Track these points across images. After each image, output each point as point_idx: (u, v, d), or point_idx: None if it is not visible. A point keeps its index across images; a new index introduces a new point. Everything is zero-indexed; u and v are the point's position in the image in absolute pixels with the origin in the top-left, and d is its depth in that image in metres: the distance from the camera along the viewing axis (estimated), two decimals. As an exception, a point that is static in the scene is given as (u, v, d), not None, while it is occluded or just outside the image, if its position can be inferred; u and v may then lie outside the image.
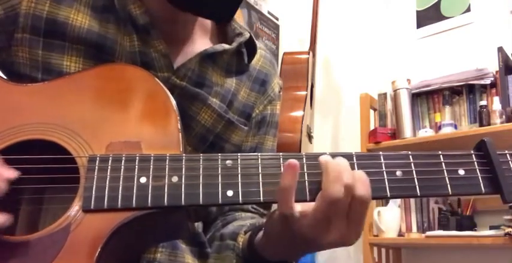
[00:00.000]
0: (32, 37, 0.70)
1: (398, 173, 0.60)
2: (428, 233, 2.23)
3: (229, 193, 0.57)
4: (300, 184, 0.57)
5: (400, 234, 2.35)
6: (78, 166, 0.59)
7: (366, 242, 2.33)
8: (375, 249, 2.40)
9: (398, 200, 2.33)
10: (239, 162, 0.59)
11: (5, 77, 0.72)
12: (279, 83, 0.93)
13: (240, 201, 0.57)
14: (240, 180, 0.58)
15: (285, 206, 0.57)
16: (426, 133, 2.36)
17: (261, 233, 0.68)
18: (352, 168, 0.59)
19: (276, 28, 3.06)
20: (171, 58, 0.75)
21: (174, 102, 0.65)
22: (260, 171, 0.59)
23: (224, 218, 0.83)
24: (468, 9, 2.57)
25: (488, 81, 2.27)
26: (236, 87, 0.83)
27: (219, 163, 0.59)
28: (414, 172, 0.60)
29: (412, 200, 2.33)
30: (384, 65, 2.78)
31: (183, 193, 0.57)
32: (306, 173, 0.59)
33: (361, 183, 0.57)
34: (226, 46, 0.80)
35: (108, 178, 0.58)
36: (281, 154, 0.60)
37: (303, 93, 2.41)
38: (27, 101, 0.65)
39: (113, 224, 0.56)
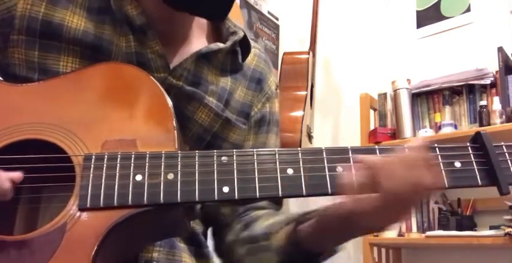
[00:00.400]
0: (28, 38, 0.70)
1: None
2: (428, 233, 2.23)
3: (225, 189, 0.57)
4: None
5: (400, 234, 2.35)
6: (74, 164, 0.59)
7: (366, 242, 2.33)
8: (375, 249, 2.40)
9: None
10: (235, 158, 0.59)
11: (1, 78, 0.72)
12: (275, 81, 0.93)
13: (236, 197, 0.57)
14: (235, 176, 0.58)
15: (353, 202, 0.57)
16: (426, 133, 2.36)
17: (303, 226, 0.68)
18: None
19: (276, 28, 3.06)
20: (167, 58, 0.75)
21: (169, 99, 0.65)
22: (256, 167, 0.59)
23: (242, 220, 0.83)
24: (468, 9, 2.57)
25: (488, 81, 2.28)
26: (232, 86, 0.84)
27: (215, 159, 0.59)
28: None
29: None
30: (384, 65, 2.78)
31: (178, 189, 0.57)
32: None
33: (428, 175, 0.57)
34: (221, 45, 0.80)
35: (103, 176, 0.58)
36: (277, 149, 0.60)
37: (303, 93, 2.41)
38: (23, 101, 0.65)
39: (109, 223, 0.55)
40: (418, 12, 2.76)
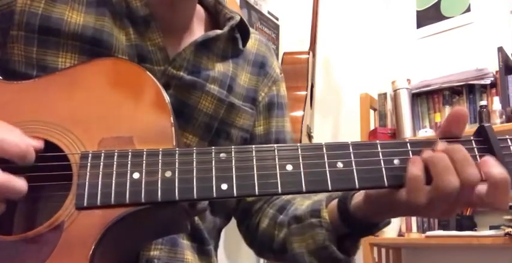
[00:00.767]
0: (27, 34, 0.70)
1: (396, 161, 0.58)
2: (428, 233, 2.23)
3: (224, 186, 0.56)
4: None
5: (400, 234, 2.35)
6: (71, 163, 0.58)
7: (366, 242, 2.32)
8: (375, 249, 2.39)
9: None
10: (233, 155, 0.58)
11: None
12: (278, 65, 0.93)
13: (235, 195, 0.56)
14: (234, 173, 0.57)
15: (413, 195, 0.56)
16: (426, 133, 2.36)
17: (354, 201, 0.67)
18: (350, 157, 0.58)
19: (276, 28, 3.06)
20: (169, 49, 0.75)
21: (166, 95, 0.64)
22: (255, 163, 0.58)
23: (274, 205, 0.83)
24: (468, 9, 2.57)
25: (488, 81, 2.28)
26: (234, 71, 0.84)
27: (213, 156, 0.58)
28: None
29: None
30: (383, 65, 2.78)
31: (176, 187, 0.56)
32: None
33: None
34: (218, 31, 0.80)
35: (100, 175, 0.57)
36: (276, 145, 0.59)
37: (303, 93, 2.41)
38: (18, 99, 0.64)
39: (107, 221, 0.55)
40: (418, 12, 2.76)
